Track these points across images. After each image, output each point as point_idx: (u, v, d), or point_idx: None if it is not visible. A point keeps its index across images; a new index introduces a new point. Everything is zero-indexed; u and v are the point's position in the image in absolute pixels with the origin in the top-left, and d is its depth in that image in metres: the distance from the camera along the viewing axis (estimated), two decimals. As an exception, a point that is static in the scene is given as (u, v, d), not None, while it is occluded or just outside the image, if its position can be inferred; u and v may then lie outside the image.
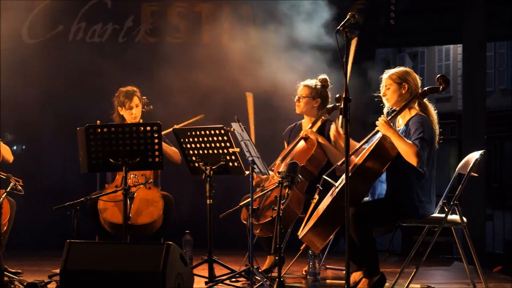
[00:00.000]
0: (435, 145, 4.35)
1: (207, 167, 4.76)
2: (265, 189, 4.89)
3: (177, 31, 7.72)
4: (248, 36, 7.10)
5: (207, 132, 4.74)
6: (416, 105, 4.44)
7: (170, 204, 5.26)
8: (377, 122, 4.30)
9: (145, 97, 5.52)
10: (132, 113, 5.39)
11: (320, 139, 5.06)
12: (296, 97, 5.31)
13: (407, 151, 4.17)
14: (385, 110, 4.53)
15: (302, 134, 5.20)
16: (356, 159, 4.37)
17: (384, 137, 4.26)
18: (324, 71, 5.53)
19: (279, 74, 6.33)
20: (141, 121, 5.33)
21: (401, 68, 4.49)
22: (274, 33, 6.95)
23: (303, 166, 4.94)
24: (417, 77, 4.48)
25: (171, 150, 5.37)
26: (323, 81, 5.33)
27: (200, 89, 7.23)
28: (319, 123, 5.24)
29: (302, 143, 5.18)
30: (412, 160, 4.17)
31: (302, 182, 4.92)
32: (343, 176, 4.11)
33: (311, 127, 5.22)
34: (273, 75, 6.37)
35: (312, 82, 5.31)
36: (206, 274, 4.79)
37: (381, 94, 4.51)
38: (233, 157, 4.74)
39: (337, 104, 5.21)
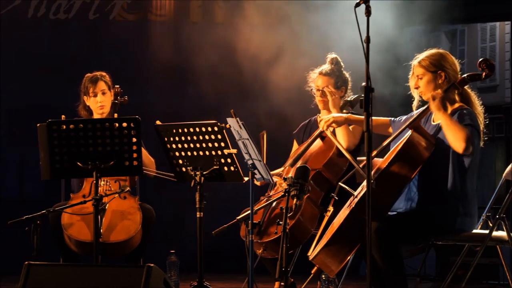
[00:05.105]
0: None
1: (197, 173, 4.75)
2: (271, 199, 4.88)
3: (161, 7, 7.72)
4: (246, 13, 7.12)
5: (197, 129, 4.73)
6: (456, 96, 4.41)
7: (150, 217, 5.25)
8: (430, 95, 4.23)
9: (118, 86, 5.52)
10: (98, 101, 5.38)
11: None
12: (317, 90, 5.24)
13: (456, 134, 4.11)
14: (414, 104, 4.50)
15: (320, 128, 5.12)
16: (380, 162, 4.37)
17: (414, 135, 4.25)
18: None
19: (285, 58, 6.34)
20: (115, 115, 5.33)
21: (433, 51, 4.45)
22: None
23: (318, 172, 4.92)
24: (455, 60, 4.44)
25: (147, 159, 5.31)
26: (337, 62, 5.29)
27: (189, 77, 7.23)
28: None
29: (318, 143, 5.15)
30: (460, 144, 4.11)
31: (317, 193, 4.91)
32: (364, 183, 4.10)
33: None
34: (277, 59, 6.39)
35: (328, 67, 5.25)
36: (196, 304, 4.79)
37: (411, 87, 4.46)
38: (228, 160, 4.73)
39: (362, 96, 5.16)
